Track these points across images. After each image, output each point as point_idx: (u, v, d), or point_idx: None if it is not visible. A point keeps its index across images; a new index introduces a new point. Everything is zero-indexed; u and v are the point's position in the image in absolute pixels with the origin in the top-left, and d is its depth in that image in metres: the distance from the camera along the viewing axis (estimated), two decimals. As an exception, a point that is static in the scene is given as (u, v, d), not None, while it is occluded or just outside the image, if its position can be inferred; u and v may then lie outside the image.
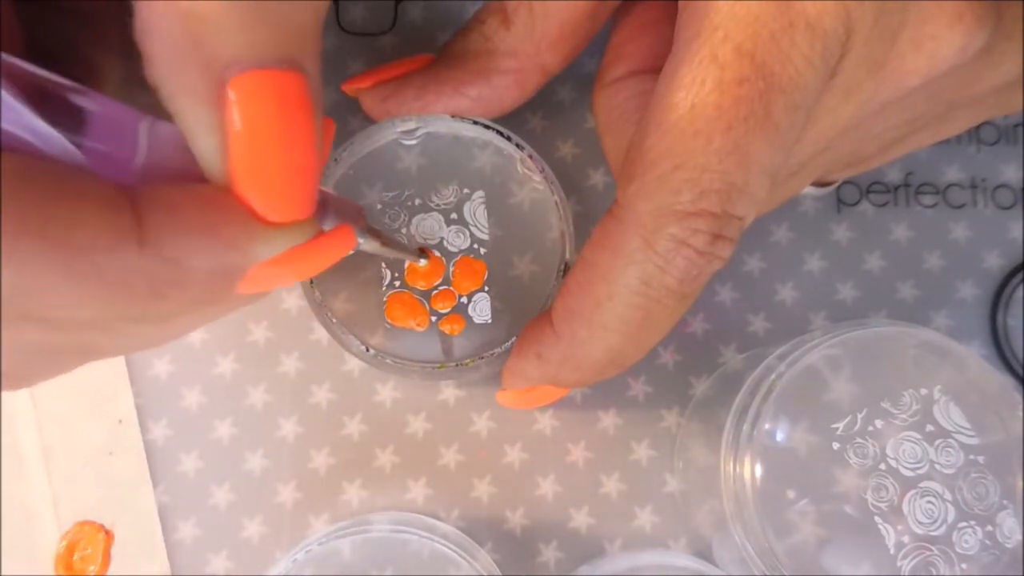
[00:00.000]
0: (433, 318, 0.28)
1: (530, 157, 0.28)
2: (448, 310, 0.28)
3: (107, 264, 0.16)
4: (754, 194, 0.21)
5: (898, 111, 0.24)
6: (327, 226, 0.21)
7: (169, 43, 0.17)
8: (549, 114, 0.33)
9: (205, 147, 0.18)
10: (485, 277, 0.28)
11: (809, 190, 0.31)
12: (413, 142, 0.29)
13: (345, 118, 0.33)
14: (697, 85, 0.21)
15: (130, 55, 0.17)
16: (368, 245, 0.24)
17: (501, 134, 0.28)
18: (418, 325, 0.28)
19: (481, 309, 0.28)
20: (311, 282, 0.27)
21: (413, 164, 0.29)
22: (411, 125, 0.28)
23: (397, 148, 0.29)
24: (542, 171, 0.28)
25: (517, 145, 0.28)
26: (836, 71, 0.21)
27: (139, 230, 0.17)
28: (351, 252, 0.22)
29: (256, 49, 0.17)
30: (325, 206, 0.21)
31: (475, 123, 0.28)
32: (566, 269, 0.28)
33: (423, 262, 0.27)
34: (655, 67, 0.25)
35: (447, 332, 0.28)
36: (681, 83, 0.21)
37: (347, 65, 0.33)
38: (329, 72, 0.33)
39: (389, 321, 0.28)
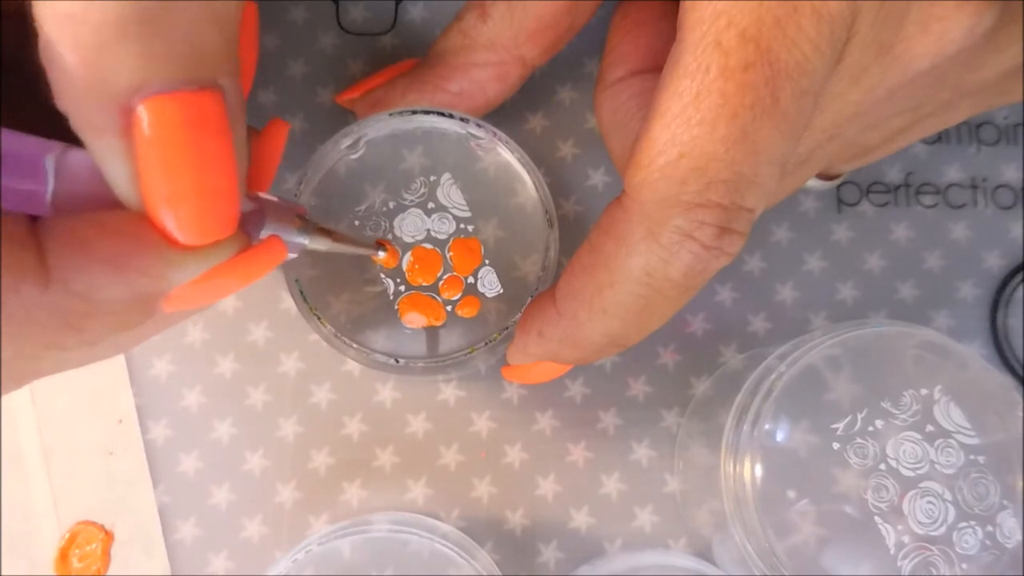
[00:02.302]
0: (448, 308, 0.28)
1: (479, 126, 0.28)
2: (459, 296, 0.28)
3: (12, 304, 0.16)
4: (763, 184, 0.21)
5: (906, 96, 0.24)
6: (266, 234, 0.20)
7: (69, 73, 0.16)
8: (549, 114, 0.33)
9: (117, 175, 0.17)
10: (482, 251, 0.28)
11: (814, 183, 0.31)
12: (359, 153, 0.28)
13: (344, 116, 0.33)
14: (701, 73, 0.20)
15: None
16: (319, 244, 0.23)
17: (442, 114, 0.28)
18: (437, 320, 0.28)
19: (490, 283, 0.28)
20: (318, 317, 0.27)
21: (371, 172, 0.29)
22: (351, 139, 0.28)
23: (349, 163, 0.29)
24: (494, 135, 0.28)
25: (461, 119, 0.28)
26: (843, 55, 0.21)
27: (42, 268, 0.16)
28: (294, 256, 0.22)
29: (158, 73, 0.16)
30: (262, 214, 0.20)
31: (414, 113, 0.28)
32: (550, 221, 0.28)
33: (382, 254, 0.27)
34: (656, 66, 0.25)
35: (465, 316, 0.28)
36: (686, 71, 0.20)
37: (347, 65, 0.33)
38: (329, 72, 0.33)
39: (408, 327, 0.28)
